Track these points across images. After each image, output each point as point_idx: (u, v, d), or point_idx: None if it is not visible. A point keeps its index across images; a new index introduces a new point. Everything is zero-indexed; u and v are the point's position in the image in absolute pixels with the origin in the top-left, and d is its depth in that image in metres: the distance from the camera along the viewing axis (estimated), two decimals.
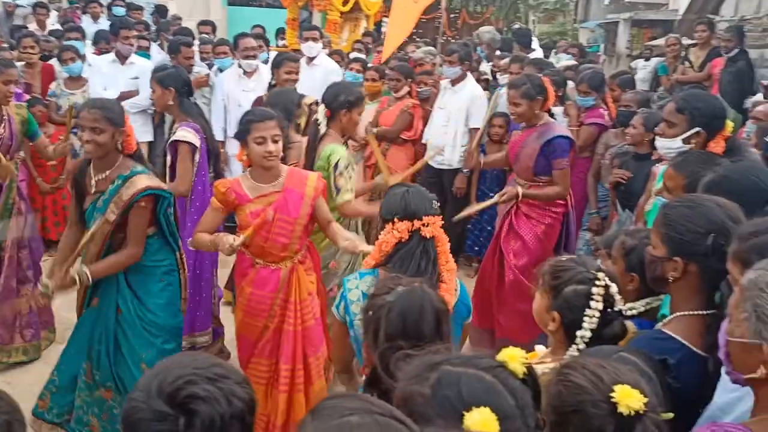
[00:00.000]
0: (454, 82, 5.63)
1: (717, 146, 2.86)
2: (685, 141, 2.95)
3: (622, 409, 1.30)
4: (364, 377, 2.04)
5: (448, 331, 1.79)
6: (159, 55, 7.32)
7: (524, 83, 4.06)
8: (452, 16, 9.33)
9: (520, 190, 4.08)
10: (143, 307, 3.09)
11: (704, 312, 1.78)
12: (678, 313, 1.84)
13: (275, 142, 2.99)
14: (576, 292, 1.90)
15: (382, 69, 6.39)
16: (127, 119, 3.05)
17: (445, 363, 1.23)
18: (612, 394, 1.32)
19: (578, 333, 1.88)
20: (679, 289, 1.83)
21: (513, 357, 1.30)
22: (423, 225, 2.42)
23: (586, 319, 1.87)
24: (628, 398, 1.30)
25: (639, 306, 2.18)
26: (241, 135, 3.04)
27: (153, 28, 9.49)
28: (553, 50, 10.96)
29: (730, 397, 1.60)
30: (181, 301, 3.29)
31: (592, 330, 1.88)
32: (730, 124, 2.93)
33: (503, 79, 6.61)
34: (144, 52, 7.02)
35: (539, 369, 1.58)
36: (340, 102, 3.73)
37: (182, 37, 6.71)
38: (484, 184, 5.80)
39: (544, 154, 4.06)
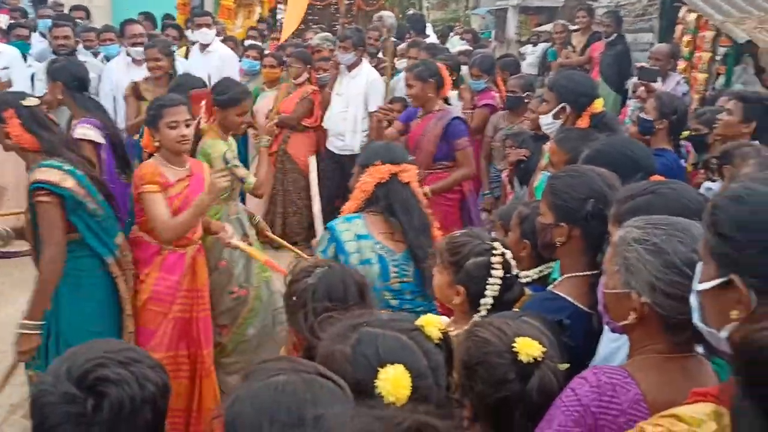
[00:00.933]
0: (350, 67, 5.68)
1: (583, 121, 3.11)
2: (555, 116, 3.22)
3: (523, 357, 1.44)
4: None
5: (371, 300, 1.86)
6: (40, 44, 6.88)
7: (418, 66, 4.22)
8: (347, 2, 9.36)
9: (427, 189, 4.07)
10: (56, 320, 2.83)
11: (589, 273, 1.93)
12: (566, 275, 1.99)
13: (187, 126, 3.10)
14: (477, 264, 2.02)
15: (279, 56, 6.34)
16: (9, 114, 2.80)
17: (366, 324, 1.30)
18: (514, 345, 1.45)
19: (482, 301, 2.01)
20: (566, 253, 1.98)
21: (430, 322, 1.40)
22: (402, 171, 2.68)
23: (488, 287, 2.01)
24: (528, 347, 1.44)
25: (533, 274, 2.33)
26: (153, 120, 3.09)
27: (32, 15, 8.89)
28: (450, 35, 11.24)
29: (611, 347, 1.76)
30: (124, 316, 2.98)
31: (494, 297, 2.02)
32: (598, 102, 3.19)
33: (401, 64, 6.73)
34: (22, 42, 6.57)
35: None
36: (213, 100, 3.73)
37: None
38: None
39: (445, 139, 4.19)
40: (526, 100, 4.84)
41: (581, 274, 1.95)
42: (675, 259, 1.33)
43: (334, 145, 5.77)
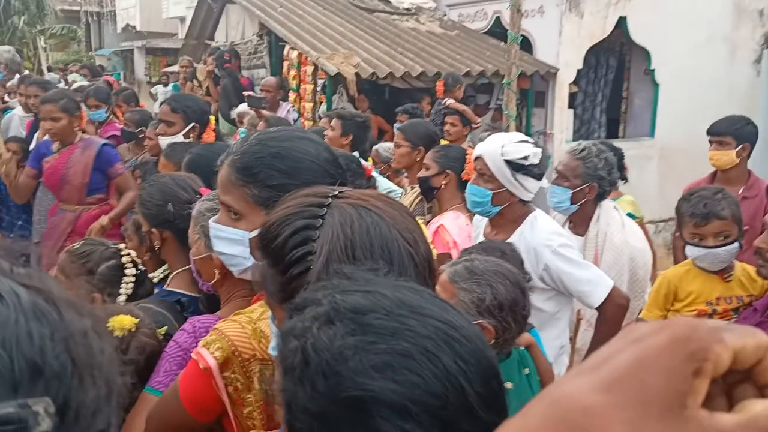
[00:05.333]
0: None
1: (209, 136, 3.44)
2: (186, 136, 3.45)
3: (117, 332, 1.60)
4: None
5: None
6: None
7: (62, 98, 4.03)
8: None
9: (105, 220, 4.00)
10: None
11: (189, 266, 2.17)
12: (174, 272, 2.21)
13: None
14: (109, 267, 2.15)
15: None
16: None
17: None
18: (108, 324, 1.61)
19: (118, 300, 2.13)
20: (166, 253, 2.19)
21: None
22: None
23: (123, 286, 2.16)
24: (121, 322, 1.63)
25: (158, 274, 2.49)
26: None
27: None
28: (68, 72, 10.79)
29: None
30: None
31: (128, 294, 2.17)
32: (212, 118, 3.57)
33: (14, 102, 6.29)
34: None
35: None
36: None
37: None
38: (8, 213, 5.29)
39: (98, 168, 4.10)
40: (140, 135, 4.81)
41: (185, 268, 2.18)
42: None
43: None
